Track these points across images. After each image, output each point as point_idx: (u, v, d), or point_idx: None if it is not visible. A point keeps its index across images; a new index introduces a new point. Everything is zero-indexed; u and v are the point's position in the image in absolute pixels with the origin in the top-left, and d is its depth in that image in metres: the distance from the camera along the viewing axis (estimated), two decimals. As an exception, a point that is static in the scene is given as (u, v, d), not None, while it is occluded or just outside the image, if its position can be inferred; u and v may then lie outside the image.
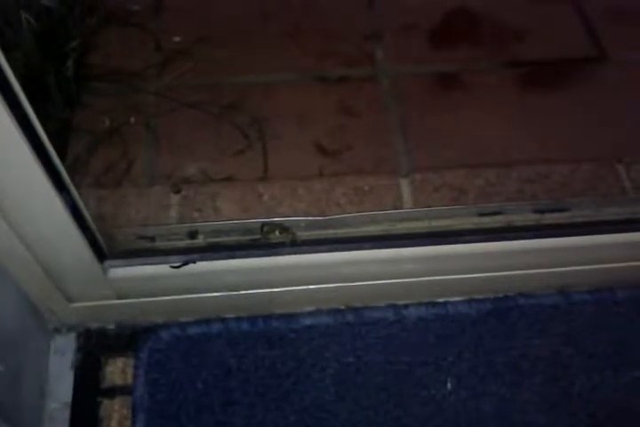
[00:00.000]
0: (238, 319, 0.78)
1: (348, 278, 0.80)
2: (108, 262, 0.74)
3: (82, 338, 0.80)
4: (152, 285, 0.77)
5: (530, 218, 0.88)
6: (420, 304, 0.80)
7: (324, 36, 1.16)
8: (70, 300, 0.77)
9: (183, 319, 0.80)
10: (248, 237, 0.78)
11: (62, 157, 0.93)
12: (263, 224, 0.77)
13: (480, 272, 0.82)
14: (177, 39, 1.13)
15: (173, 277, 0.76)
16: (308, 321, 0.78)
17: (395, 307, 0.80)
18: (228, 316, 0.80)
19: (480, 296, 0.84)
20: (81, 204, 0.66)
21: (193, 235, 0.80)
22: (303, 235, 0.77)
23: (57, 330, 0.80)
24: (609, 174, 0.96)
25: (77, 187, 0.88)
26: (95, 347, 0.79)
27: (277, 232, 0.77)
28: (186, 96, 1.04)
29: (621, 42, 1.16)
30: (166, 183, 0.91)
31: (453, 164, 0.98)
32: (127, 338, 0.80)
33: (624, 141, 1.02)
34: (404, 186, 0.95)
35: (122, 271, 0.75)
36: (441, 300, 0.83)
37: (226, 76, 1.08)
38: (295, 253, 0.76)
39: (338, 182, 0.94)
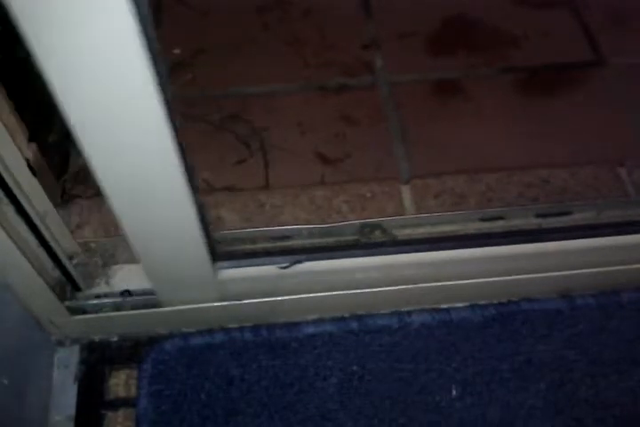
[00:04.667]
0: (241, 329, 0.78)
1: (352, 286, 0.80)
2: (219, 264, 0.74)
3: (85, 350, 0.79)
4: (259, 286, 0.77)
5: (531, 222, 0.88)
6: (423, 311, 0.80)
7: (322, 45, 1.17)
8: (163, 304, 0.76)
9: (186, 330, 0.80)
10: (349, 238, 0.79)
11: (65, 168, 0.95)
12: (363, 225, 0.79)
13: (483, 277, 0.82)
14: (177, 51, 1.14)
15: (280, 278, 0.76)
16: (311, 330, 0.78)
17: (398, 314, 0.79)
18: (231, 326, 0.80)
19: (483, 302, 0.83)
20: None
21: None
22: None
23: (60, 343, 0.80)
24: (610, 178, 0.96)
25: (81, 197, 0.90)
26: (98, 359, 0.79)
27: (378, 232, 0.78)
28: (186, 107, 1.05)
29: (620, 46, 1.16)
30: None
31: (454, 169, 0.98)
32: (130, 350, 0.80)
33: (625, 145, 1.02)
34: (405, 192, 0.95)
35: (231, 273, 0.75)
36: (445, 306, 0.83)
37: (226, 86, 1.09)
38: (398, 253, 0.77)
39: (339, 190, 0.95)
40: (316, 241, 0.78)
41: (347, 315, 0.81)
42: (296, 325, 0.78)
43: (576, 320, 0.79)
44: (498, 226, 0.87)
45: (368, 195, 0.94)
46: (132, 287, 0.76)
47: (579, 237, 0.83)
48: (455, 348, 0.76)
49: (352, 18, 1.22)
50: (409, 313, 0.79)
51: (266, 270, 0.75)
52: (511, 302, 0.82)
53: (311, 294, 0.77)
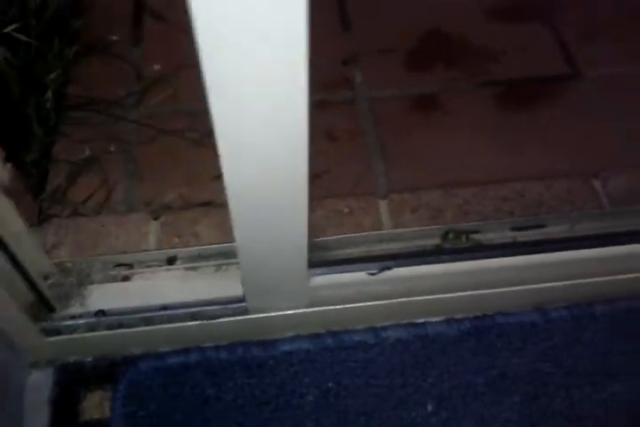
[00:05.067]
0: (217, 348, 0.78)
1: (327, 302, 0.81)
2: (312, 271, 0.75)
3: (59, 372, 0.79)
4: (348, 292, 0.78)
5: (507, 235, 0.89)
6: (399, 326, 0.80)
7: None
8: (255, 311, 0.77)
9: (162, 349, 0.80)
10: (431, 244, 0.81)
11: (42, 187, 0.95)
12: (448, 230, 0.81)
13: (458, 291, 0.82)
14: (157, 67, 1.15)
15: (370, 284, 0.77)
16: (287, 347, 0.78)
17: (374, 329, 0.80)
18: (206, 345, 0.80)
19: (459, 316, 0.84)
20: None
21: (172, 260, 0.81)
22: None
23: (34, 364, 0.79)
24: (585, 190, 0.97)
25: (58, 217, 0.90)
26: (73, 380, 0.79)
27: (464, 238, 0.80)
28: (166, 123, 1.05)
29: (595, 59, 1.18)
30: (146, 210, 0.91)
31: (431, 184, 0.99)
32: (105, 370, 0.79)
33: (600, 157, 1.03)
34: (383, 207, 0.95)
35: (322, 279, 0.76)
36: (420, 320, 0.83)
37: (205, 102, 1.10)
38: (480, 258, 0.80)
39: (318, 205, 0.95)
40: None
41: (322, 331, 0.81)
42: (272, 342, 0.78)
43: (550, 333, 0.79)
44: (473, 240, 0.88)
45: (345, 210, 0.95)
46: (106, 307, 0.76)
47: (553, 251, 0.84)
48: (431, 362, 0.77)
49: (331, 33, 1.23)
50: (385, 328, 0.80)
51: (356, 277, 0.77)
52: (486, 315, 0.82)
53: (288, 312, 0.77)
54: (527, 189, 0.98)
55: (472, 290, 0.82)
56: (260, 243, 0.67)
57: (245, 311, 0.77)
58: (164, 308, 0.75)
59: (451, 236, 0.79)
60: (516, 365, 0.77)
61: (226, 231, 0.90)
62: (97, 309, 0.75)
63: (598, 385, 0.75)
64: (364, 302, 0.80)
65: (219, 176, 0.97)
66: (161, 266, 0.81)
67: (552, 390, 0.76)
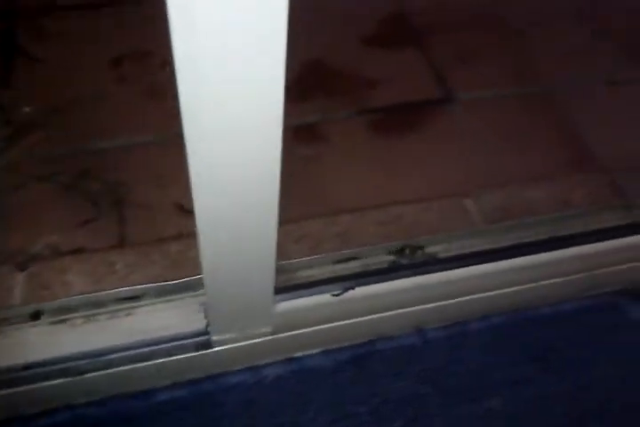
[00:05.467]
0: (88, 404, 0.74)
1: (226, 341, 0.79)
2: (277, 297, 0.73)
3: None
4: (312, 314, 0.77)
5: (385, 260, 0.90)
6: (277, 362, 0.79)
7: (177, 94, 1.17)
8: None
9: (28, 412, 0.75)
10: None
11: None
12: (404, 246, 0.81)
13: (337, 321, 0.83)
14: (27, 110, 1.11)
15: (333, 306, 0.76)
16: (163, 397, 0.75)
17: (253, 368, 0.79)
18: (76, 402, 0.76)
19: (338, 345, 0.84)
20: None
21: (37, 315, 0.77)
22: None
23: None
24: (458, 210, 1.01)
25: None
26: None
27: (420, 252, 0.80)
28: (36, 168, 1.02)
29: (466, 82, 1.24)
30: (12, 262, 0.87)
31: (312, 213, 1.00)
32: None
33: (471, 177, 1.07)
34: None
35: (288, 304, 0.75)
36: (299, 354, 0.82)
37: (80, 143, 1.07)
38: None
39: (194, 243, 0.94)
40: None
41: (201, 376, 0.79)
42: (148, 392, 0.75)
43: (427, 354, 0.81)
44: (353, 267, 0.89)
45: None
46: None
47: (429, 272, 0.86)
48: (310, 397, 0.76)
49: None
50: (264, 366, 0.79)
51: (318, 299, 0.76)
52: (365, 342, 0.83)
53: (147, 363, 0.75)
54: (405, 212, 1.00)
55: (351, 318, 0.83)
56: (228, 273, 0.67)
57: (147, 357, 0.74)
58: (27, 367, 0.71)
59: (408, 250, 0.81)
60: (396, 389, 0.78)
61: (98, 278, 0.88)
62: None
63: (474, 402, 0.77)
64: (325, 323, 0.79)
65: (90, 220, 0.96)
66: (25, 322, 0.77)
67: (431, 411, 0.77)
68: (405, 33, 1.35)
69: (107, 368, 0.74)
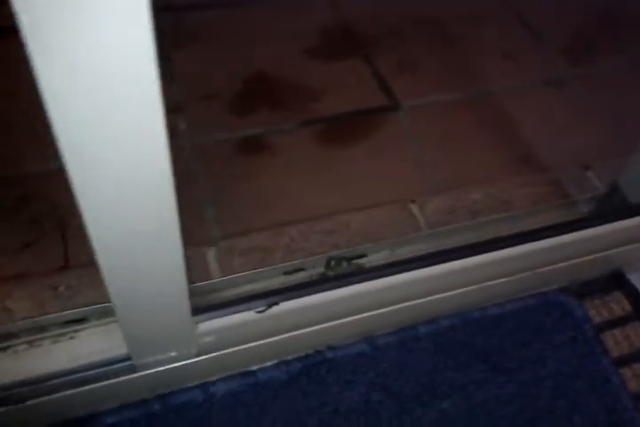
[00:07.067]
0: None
1: (150, 365, 0.77)
2: (196, 318, 0.71)
3: None
4: (237, 333, 0.75)
5: (329, 269, 0.90)
6: (230, 377, 0.79)
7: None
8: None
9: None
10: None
11: None
12: (330, 258, 0.80)
13: (287, 332, 0.82)
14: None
15: (260, 322, 0.75)
16: (110, 419, 0.74)
17: (203, 385, 0.78)
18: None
19: (291, 357, 0.83)
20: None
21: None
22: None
23: None
24: (404, 215, 1.02)
25: None
26: None
27: (345, 264, 0.79)
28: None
29: (410, 90, 1.26)
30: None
31: (260, 225, 0.99)
32: None
33: (418, 183, 1.09)
34: (211, 255, 0.95)
35: (209, 325, 0.72)
36: (254, 368, 0.82)
37: (18, 167, 1.05)
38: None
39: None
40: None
41: (148, 396, 0.77)
42: (93, 416, 0.73)
43: (378, 360, 0.81)
44: (300, 277, 0.89)
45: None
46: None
47: (373, 278, 0.86)
48: (262, 411, 0.75)
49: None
50: (214, 383, 0.78)
51: (243, 317, 0.74)
52: (317, 352, 0.82)
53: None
54: (351, 220, 1.01)
55: (299, 329, 0.82)
56: (136, 299, 0.65)
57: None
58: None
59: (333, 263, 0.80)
60: (347, 398, 0.77)
61: (41, 302, 0.86)
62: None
63: (427, 406, 0.77)
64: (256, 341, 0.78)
65: (31, 243, 0.94)
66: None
67: (385, 418, 0.77)
68: (348, 43, 1.37)
69: (49, 394, 0.72)
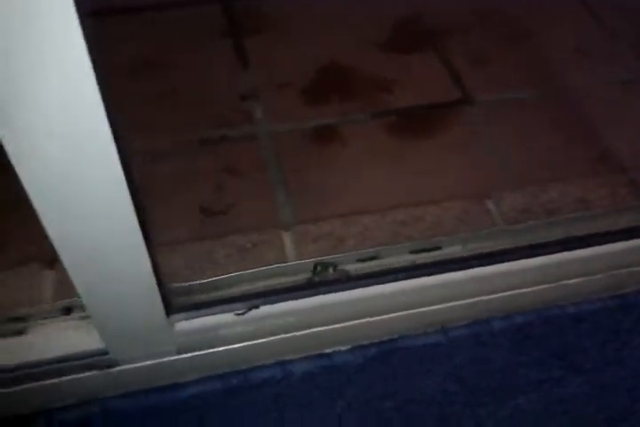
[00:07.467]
0: (117, 398, 0.75)
1: (233, 340, 0.79)
2: (174, 317, 0.73)
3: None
4: (214, 335, 0.76)
5: (406, 259, 0.90)
6: (306, 358, 0.80)
7: (201, 98, 1.19)
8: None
9: (61, 404, 0.76)
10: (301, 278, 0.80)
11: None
12: (316, 264, 0.80)
13: (362, 318, 0.83)
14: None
15: (237, 325, 0.75)
16: (192, 390, 0.76)
17: (281, 364, 0.79)
18: (105, 395, 0.77)
19: (365, 342, 0.84)
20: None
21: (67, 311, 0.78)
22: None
23: None
24: (479, 211, 1.01)
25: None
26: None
27: (331, 270, 0.79)
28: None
29: (484, 84, 1.24)
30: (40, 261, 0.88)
31: (333, 213, 1.00)
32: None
33: (492, 178, 1.08)
34: (286, 239, 0.96)
35: (187, 324, 0.74)
36: (328, 351, 0.83)
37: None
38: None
39: (219, 242, 0.95)
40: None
41: (228, 371, 0.79)
42: (175, 386, 0.76)
43: (453, 352, 0.81)
44: (374, 265, 0.89)
45: (248, 245, 0.94)
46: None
47: (450, 271, 0.86)
48: (338, 392, 0.76)
49: (230, 70, 1.25)
50: (292, 362, 0.79)
51: (220, 319, 0.75)
52: (391, 340, 0.83)
53: (173, 357, 0.76)
54: (425, 213, 1.00)
55: (375, 316, 0.83)
56: (108, 297, 0.66)
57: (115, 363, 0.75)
58: (60, 360, 0.72)
59: (319, 268, 0.79)
60: (423, 387, 0.78)
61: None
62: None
63: (501, 401, 0.77)
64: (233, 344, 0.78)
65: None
66: (56, 317, 0.78)
67: (459, 410, 0.77)
68: (421, 36, 1.36)
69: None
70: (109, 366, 0.74)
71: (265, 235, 0.97)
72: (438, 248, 0.91)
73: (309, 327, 0.81)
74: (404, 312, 0.84)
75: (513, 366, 0.80)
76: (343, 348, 0.83)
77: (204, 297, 0.78)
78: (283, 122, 1.16)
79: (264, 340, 0.79)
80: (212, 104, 1.19)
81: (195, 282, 0.79)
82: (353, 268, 0.89)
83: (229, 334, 0.77)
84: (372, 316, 0.83)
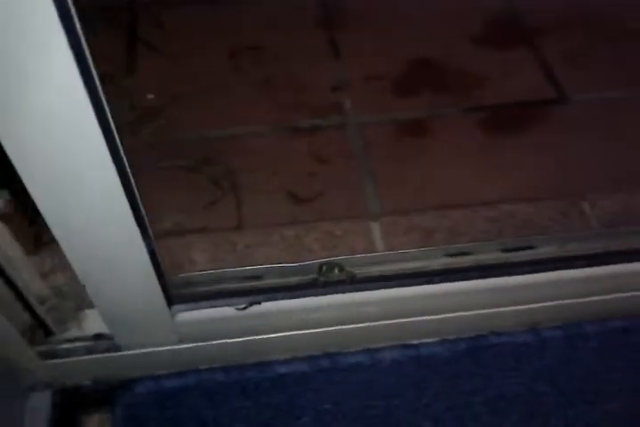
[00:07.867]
0: (212, 370, 0.78)
1: (324, 323, 0.81)
2: (175, 307, 0.75)
3: (57, 395, 0.79)
4: (215, 327, 0.78)
5: (498, 257, 0.90)
6: (394, 347, 0.81)
7: (293, 87, 1.21)
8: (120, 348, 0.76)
9: (158, 372, 0.80)
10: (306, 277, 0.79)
11: (38, 213, 0.95)
12: (321, 264, 0.79)
13: (451, 312, 0.83)
14: (151, 96, 1.17)
15: (238, 320, 0.76)
16: (282, 369, 0.78)
17: (369, 351, 0.80)
18: (201, 367, 0.80)
19: (452, 336, 0.84)
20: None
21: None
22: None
23: (32, 388, 0.79)
24: (574, 211, 0.99)
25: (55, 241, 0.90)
26: (71, 404, 0.78)
27: (337, 270, 0.78)
28: (159, 152, 1.07)
29: (580, 83, 1.21)
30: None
31: (421, 206, 1.00)
32: (103, 394, 0.79)
33: (588, 179, 1.05)
34: (375, 230, 0.97)
35: (188, 315, 0.75)
36: (415, 342, 0.84)
37: (199, 130, 1.12)
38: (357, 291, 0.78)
39: (310, 229, 0.97)
40: (275, 281, 0.79)
41: (318, 353, 0.81)
42: (267, 364, 0.78)
43: (544, 352, 0.80)
44: (465, 261, 0.89)
45: (338, 233, 0.96)
46: (104, 331, 0.76)
47: (544, 271, 0.85)
48: (426, 383, 0.77)
49: (321, 61, 1.27)
50: (380, 350, 0.80)
51: (223, 312, 0.75)
52: (480, 336, 0.83)
53: (278, 334, 0.78)
54: (517, 211, 0.99)
55: (465, 311, 0.83)
56: (110, 287, 0.68)
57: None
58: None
59: (325, 269, 0.78)
60: (511, 385, 0.77)
61: (221, 256, 0.92)
62: (95, 332, 0.75)
63: (591, 404, 0.76)
64: (244, 336, 0.79)
65: (212, 202, 1.00)
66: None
67: (548, 409, 0.76)
68: (515, 33, 1.34)
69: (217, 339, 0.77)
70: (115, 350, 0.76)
71: (354, 224, 0.98)
72: (532, 247, 0.90)
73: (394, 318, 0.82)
74: (495, 309, 0.84)
75: (606, 371, 0.79)
76: (429, 340, 0.83)
77: (206, 289, 0.79)
78: (372, 113, 1.17)
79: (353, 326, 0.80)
80: (304, 93, 1.21)
81: (194, 273, 0.80)
82: (441, 262, 0.89)
83: (231, 327, 0.77)
84: (463, 310, 0.83)
